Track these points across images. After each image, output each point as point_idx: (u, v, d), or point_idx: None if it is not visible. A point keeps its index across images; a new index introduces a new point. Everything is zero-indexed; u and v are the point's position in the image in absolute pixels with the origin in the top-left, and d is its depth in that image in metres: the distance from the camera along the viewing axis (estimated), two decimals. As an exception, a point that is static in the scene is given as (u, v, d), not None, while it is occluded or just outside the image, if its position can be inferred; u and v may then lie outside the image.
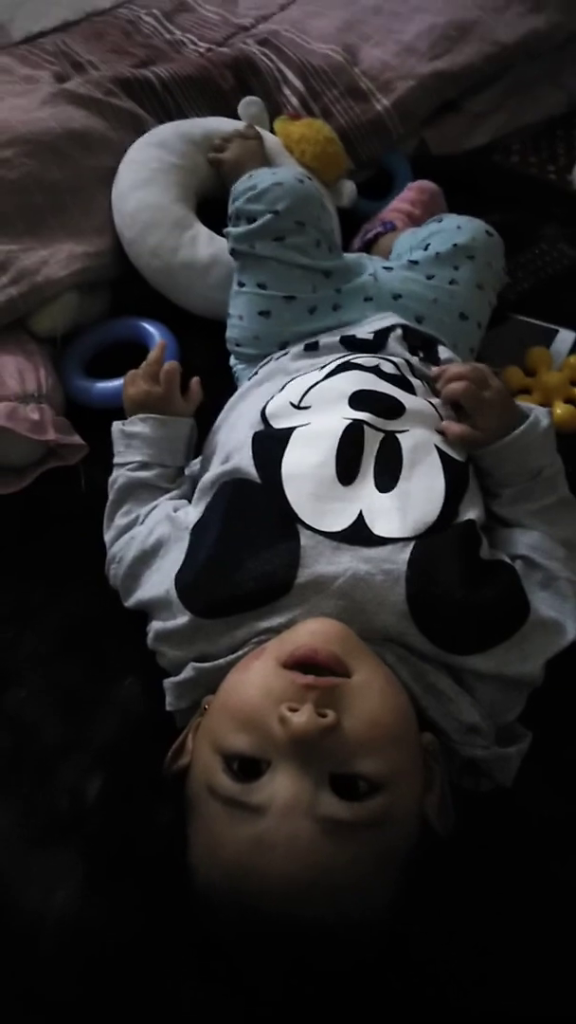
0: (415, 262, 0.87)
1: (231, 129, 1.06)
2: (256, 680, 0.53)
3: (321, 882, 0.47)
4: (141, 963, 0.58)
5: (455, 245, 0.86)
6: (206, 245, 0.98)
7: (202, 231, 0.99)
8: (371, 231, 1.09)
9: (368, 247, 1.08)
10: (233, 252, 0.87)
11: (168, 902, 0.56)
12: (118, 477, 0.77)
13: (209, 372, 0.89)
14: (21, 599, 0.79)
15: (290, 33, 1.24)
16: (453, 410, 0.72)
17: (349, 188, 1.13)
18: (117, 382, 0.93)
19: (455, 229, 0.89)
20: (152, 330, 0.99)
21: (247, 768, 0.50)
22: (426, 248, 0.88)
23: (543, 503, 0.68)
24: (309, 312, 0.84)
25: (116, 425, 0.80)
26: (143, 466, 0.77)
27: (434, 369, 0.74)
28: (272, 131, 1.13)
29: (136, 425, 0.79)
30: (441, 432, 0.69)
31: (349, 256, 0.90)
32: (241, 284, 0.86)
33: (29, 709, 0.71)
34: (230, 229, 0.87)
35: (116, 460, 0.79)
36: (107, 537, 0.75)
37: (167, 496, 0.75)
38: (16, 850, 0.64)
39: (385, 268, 0.87)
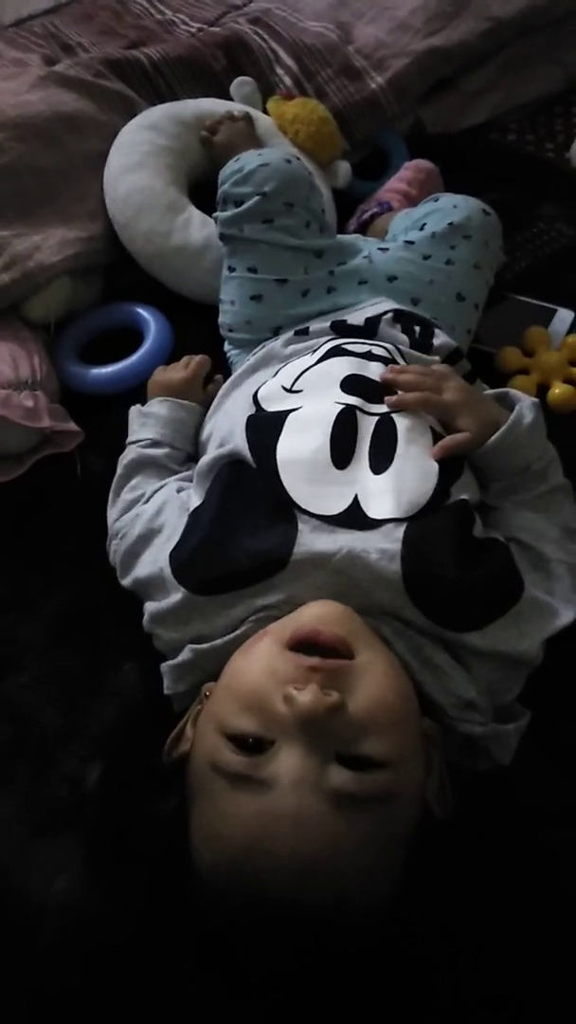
0: (411, 242, 0.86)
1: (223, 111, 1.05)
2: (259, 662, 0.53)
3: (329, 859, 0.46)
4: (142, 950, 0.58)
5: (451, 224, 0.85)
6: (199, 229, 0.97)
7: (195, 214, 0.98)
8: (367, 212, 1.08)
9: (364, 228, 1.07)
10: (222, 237, 0.86)
11: (169, 889, 0.56)
12: (128, 453, 0.78)
13: (206, 351, 0.88)
14: (19, 586, 0.79)
15: (282, 11, 1.22)
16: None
17: (344, 168, 1.12)
18: (112, 368, 0.93)
19: (451, 208, 0.88)
20: (146, 315, 0.98)
21: (251, 747, 0.50)
22: (422, 228, 0.87)
23: (533, 493, 0.68)
24: (302, 295, 0.83)
25: (135, 407, 0.82)
26: (154, 444, 0.78)
27: (382, 375, 0.69)
28: (265, 111, 1.11)
29: (154, 406, 0.81)
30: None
31: (343, 237, 0.89)
32: (231, 269, 0.86)
33: (28, 696, 0.71)
34: (218, 213, 0.86)
35: (129, 439, 0.80)
36: (111, 512, 0.75)
37: (175, 477, 0.75)
38: (17, 838, 0.64)
39: (380, 249, 0.86)
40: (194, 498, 0.68)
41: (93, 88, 1.07)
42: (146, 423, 0.80)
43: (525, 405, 0.68)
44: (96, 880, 0.61)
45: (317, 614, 0.56)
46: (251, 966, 0.52)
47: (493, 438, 0.65)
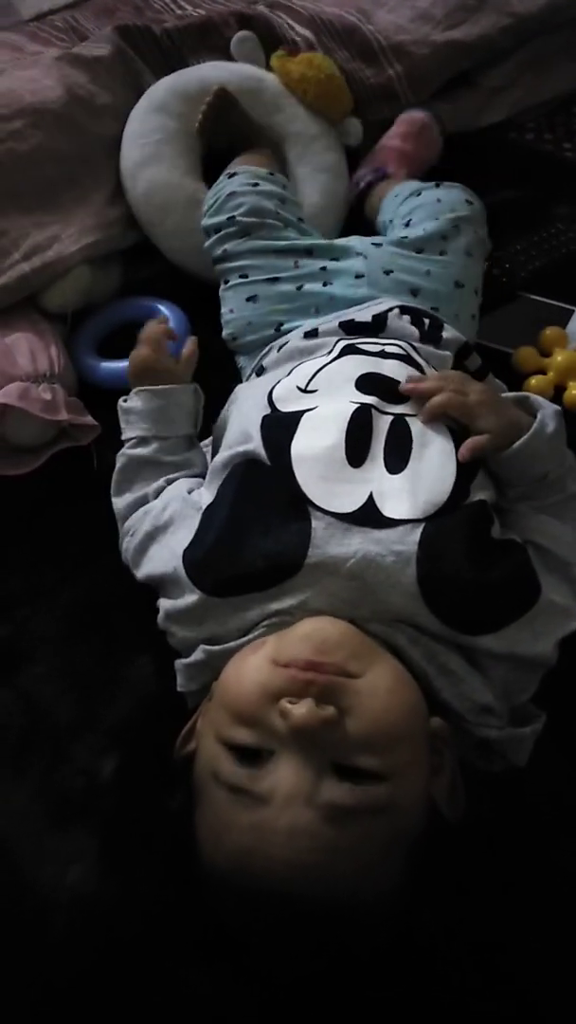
0: (403, 237, 0.87)
1: (225, 76, 1.04)
2: (252, 676, 0.53)
3: (323, 866, 0.47)
4: (154, 942, 0.59)
5: (438, 218, 0.88)
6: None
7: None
8: (363, 180, 1.07)
9: (362, 199, 1.07)
10: (213, 262, 0.90)
11: (181, 882, 0.56)
12: (119, 456, 0.77)
13: (221, 354, 0.89)
14: (35, 579, 0.80)
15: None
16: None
17: (355, 126, 1.11)
18: (125, 362, 0.93)
19: (435, 202, 0.91)
20: (164, 310, 0.98)
21: (250, 756, 0.51)
22: (408, 223, 0.90)
23: (548, 501, 0.67)
24: (297, 289, 0.84)
25: (119, 403, 0.80)
26: (141, 441, 0.76)
27: (403, 387, 0.68)
28: (269, 68, 1.10)
29: (131, 400, 0.78)
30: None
31: (336, 241, 0.90)
32: (226, 282, 0.88)
33: (43, 688, 0.72)
34: (205, 245, 0.90)
35: (121, 436, 0.78)
36: (117, 515, 0.75)
37: (181, 473, 0.75)
38: (31, 829, 0.64)
39: (374, 244, 0.88)
40: (205, 495, 0.68)
41: (107, 64, 1.07)
42: (129, 420, 0.77)
43: (547, 413, 0.66)
44: (109, 871, 0.61)
45: (309, 633, 0.55)
46: (256, 960, 0.52)
47: (515, 445, 0.64)
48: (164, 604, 0.65)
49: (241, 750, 0.51)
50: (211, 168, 1.02)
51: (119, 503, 0.75)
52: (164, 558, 0.66)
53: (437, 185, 0.95)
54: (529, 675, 0.61)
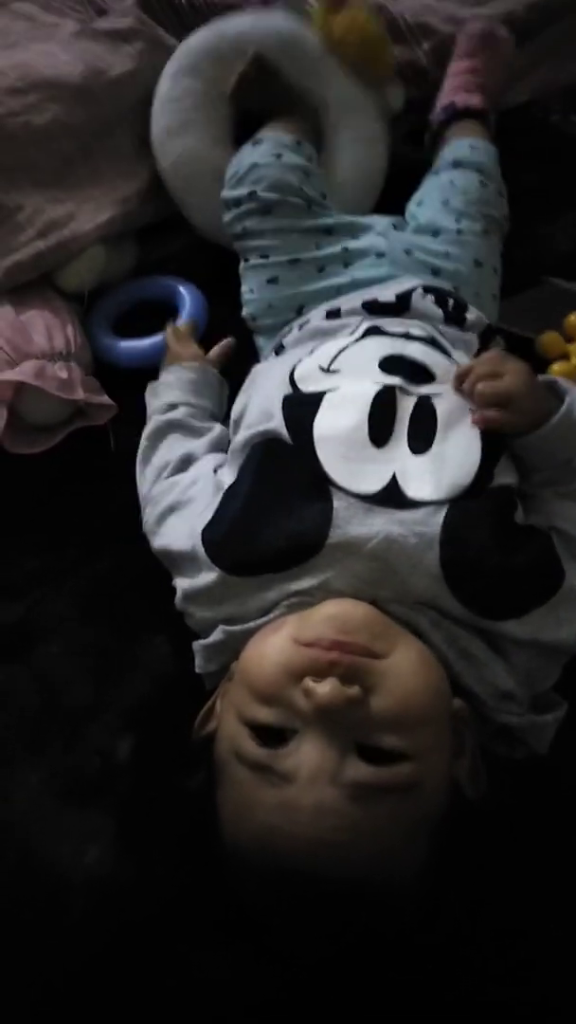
0: (418, 222, 0.88)
1: (262, 33, 0.99)
2: (275, 655, 0.53)
3: (348, 845, 0.47)
4: (171, 924, 0.59)
5: (448, 201, 0.88)
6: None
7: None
8: (435, 121, 1.04)
9: (436, 144, 1.03)
10: (232, 238, 0.89)
11: (199, 863, 0.56)
12: (149, 423, 0.78)
13: (239, 333, 0.88)
14: (51, 559, 0.79)
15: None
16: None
17: (397, 91, 1.07)
18: (145, 341, 0.92)
19: (448, 184, 0.91)
20: (181, 289, 0.97)
21: (273, 735, 0.50)
22: (420, 203, 0.91)
23: (573, 487, 0.66)
24: (318, 271, 0.83)
25: (149, 385, 0.82)
26: (171, 407, 0.78)
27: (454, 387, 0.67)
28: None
29: (165, 375, 0.82)
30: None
31: (357, 219, 0.88)
32: (246, 260, 0.87)
33: (60, 668, 0.72)
34: (224, 218, 0.89)
35: (148, 412, 0.80)
36: (141, 483, 0.74)
37: (207, 444, 0.74)
38: (48, 809, 0.64)
39: (394, 225, 0.87)
40: (227, 476, 0.68)
41: (126, 35, 1.04)
42: (158, 392, 0.80)
43: (575, 398, 0.65)
44: (125, 852, 0.61)
45: (333, 615, 0.55)
46: (275, 939, 0.52)
47: (541, 429, 0.63)
48: (182, 584, 0.65)
49: (263, 730, 0.51)
50: (244, 132, 0.99)
51: (146, 470, 0.75)
52: (182, 534, 0.65)
53: (455, 164, 0.94)
54: (552, 662, 0.61)
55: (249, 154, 0.89)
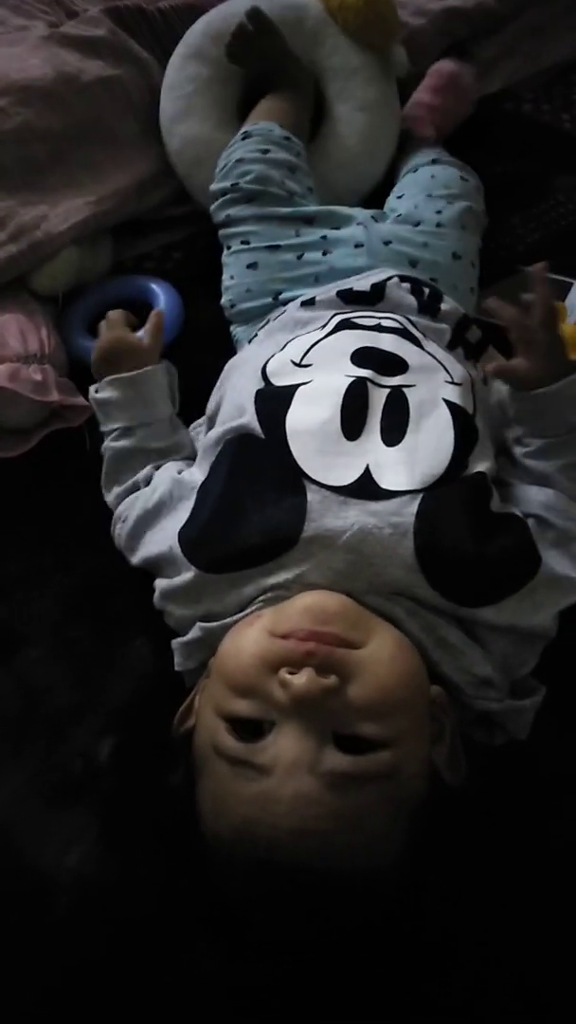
0: (398, 214, 0.88)
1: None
2: (251, 648, 0.53)
3: (328, 834, 0.47)
4: (156, 921, 0.59)
5: (431, 195, 0.90)
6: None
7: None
8: None
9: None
10: (217, 227, 0.89)
11: (182, 860, 0.56)
12: (105, 449, 0.76)
13: (214, 331, 0.88)
14: (30, 562, 0.79)
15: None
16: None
17: (401, 55, 1.07)
18: None
19: (429, 179, 0.93)
20: (156, 288, 0.97)
21: (251, 728, 0.51)
22: (400, 197, 0.93)
23: (573, 460, 0.66)
24: (297, 258, 0.83)
25: (90, 392, 0.78)
26: (125, 432, 0.75)
27: (486, 303, 0.69)
28: None
29: (104, 391, 0.77)
30: (450, 383, 0.67)
31: (339, 208, 0.89)
32: (228, 248, 0.88)
33: (41, 671, 0.71)
34: (211, 209, 0.90)
35: (101, 428, 0.78)
36: (109, 502, 0.74)
37: (172, 458, 0.74)
38: (31, 810, 0.64)
39: (373, 217, 0.88)
40: (197, 474, 0.68)
41: (97, 44, 1.05)
42: (107, 412, 0.76)
43: None
44: (110, 851, 0.61)
45: (308, 605, 0.55)
46: (260, 931, 0.52)
47: (559, 383, 0.63)
48: (160, 584, 0.65)
49: (241, 723, 0.51)
50: (249, 112, 0.99)
51: (109, 496, 0.74)
52: (160, 540, 0.65)
53: (434, 161, 0.96)
54: (529, 648, 0.61)
55: (236, 148, 0.91)
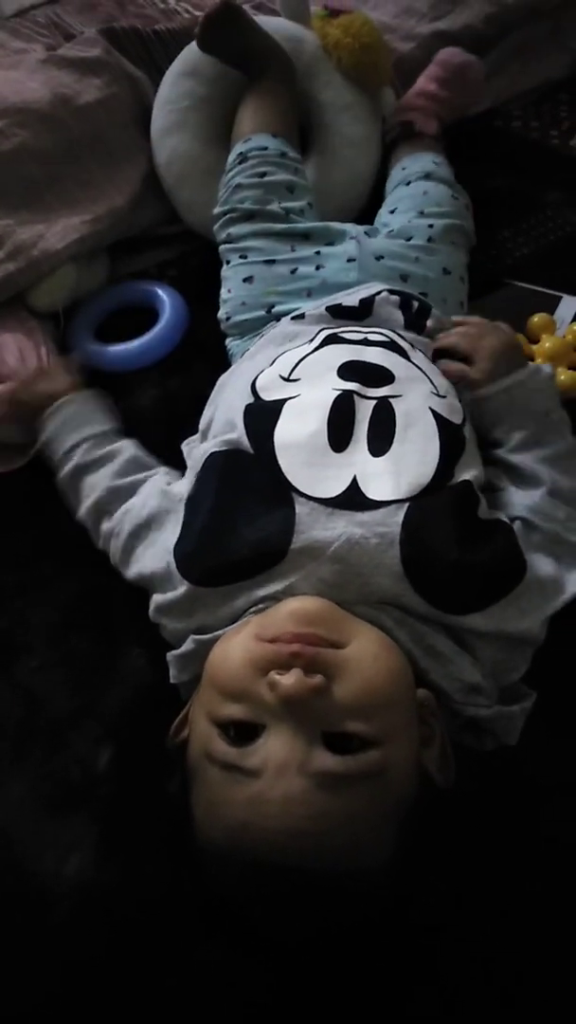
0: (391, 230, 0.90)
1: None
2: (239, 653, 0.54)
3: (319, 834, 0.48)
4: (155, 925, 0.59)
5: (423, 211, 0.92)
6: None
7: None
8: (388, 136, 1.08)
9: (388, 152, 1.07)
10: (219, 246, 0.92)
11: (181, 863, 0.57)
12: (58, 484, 0.78)
13: (209, 347, 0.90)
14: (30, 572, 0.80)
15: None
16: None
17: (388, 96, 1.10)
18: (131, 344, 0.95)
19: (422, 195, 0.95)
20: (160, 292, 0.99)
21: (243, 732, 0.51)
22: (393, 211, 0.94)
23: (555, 449, 0.69)
24: (291, 272, 0.85)
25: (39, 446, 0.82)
26: (66, 455, 0.77)
27: (430, 323, 0.77)
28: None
29: (41, 436, 0.81)
30: (436, 394, 0.69)
31: (332, 224, 0.91)
32: (228, 262, 0.90)
33: (40, 680, 0.72)
34: (214, 229, 0.93)
35: (53, 466, 0.80)
36: (87, 523, 0.75)
37: (163, 471, 0.75)
38: (30, 817, 0.65)
39: (367, 233, 0.89)
40: (183, 485, 0.69)
41: (93, 65, 1.07)
42: (51, 450, 0.79)
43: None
44: (108, 858, 0.62)
45: (294, 610, 0.56)
46: (257, 933, 0.53)
47: (518, 373, 0.69)
48: (155, 599, 0.66)
49: (233, 727, 0.52)
50: None
51: (80, 515, 0.76)
52: (156, 555, 0.66)
53: (427, 176, 0.97)
54: (519, 653, 0.62)
55: (235, 175, 0.93)
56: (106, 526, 0.73)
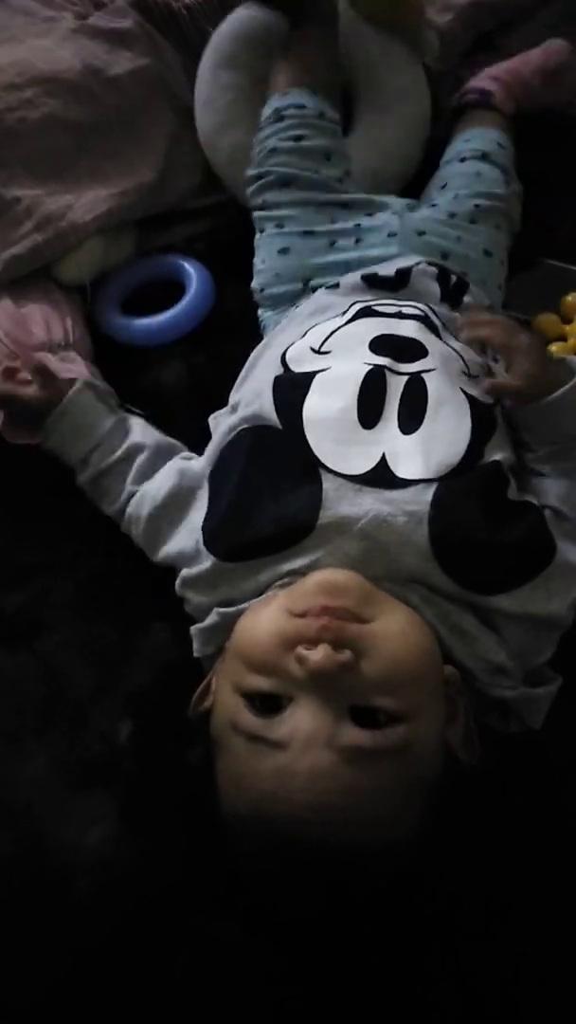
0: (435, 204, 0.88)
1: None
2: (267, 625, 0.54)
3: (344, 808, 0.48)
4: (176, 899, 0.60)
5: (472, 191, 0.88)
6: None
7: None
8: (464, 97, 1.03)
9: (457, 113, 1.03)
10: (253, 210, 0.89)
11: (201, 838, 0.57)
12: (81, 485, 0.76)
13: (242, 314, 0.89)
14: (52, 548, 0.80)
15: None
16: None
17: (431, 39, 1.04)
18: (158, 318, 0.94)
19: (475, 175, 0.91)
20: (187, 266, 0.98)
21: (269, 704, 0.51)
22: (443, 187, 0.91)
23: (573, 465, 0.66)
24: (329, 245, 0.83)
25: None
26: (81, 465, 0.75)
27: (458, 320, 0.72)
28: None
29: (45, 444, 0.78)
30: (467, 374, 0.68)
31: (376, 196, 0.89)
32: (262, 230, 0.87)
33: (62, 656, 0.73)
34: (247, 192, 0.89)
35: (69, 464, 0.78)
36: (112, 514, 0.74)
37: (180, 456, 0.74)
38: (52, 792, 0.65)
39: (408, 207, 0.87)
40: (203, 460, 0.69)
41: (124, 36, 1.04)
42: (62, 455, 0.77)
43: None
44: (130, 832, 0.62)
45: (322, 581, 0.55)
46: (278, 906, 0.53)
47: (552, 396, 0.63)
48: (182, 573, 0.66)
49: (259, 699, 0.52)
50: None
51: (107, 511, 0.75)
52: (181, 535, 0.66)
53: (484, 156, 0.94)
54: (544, 637, 0.61)
55: (270, 136, 0.88)
56: (128, 512, 0.72)
